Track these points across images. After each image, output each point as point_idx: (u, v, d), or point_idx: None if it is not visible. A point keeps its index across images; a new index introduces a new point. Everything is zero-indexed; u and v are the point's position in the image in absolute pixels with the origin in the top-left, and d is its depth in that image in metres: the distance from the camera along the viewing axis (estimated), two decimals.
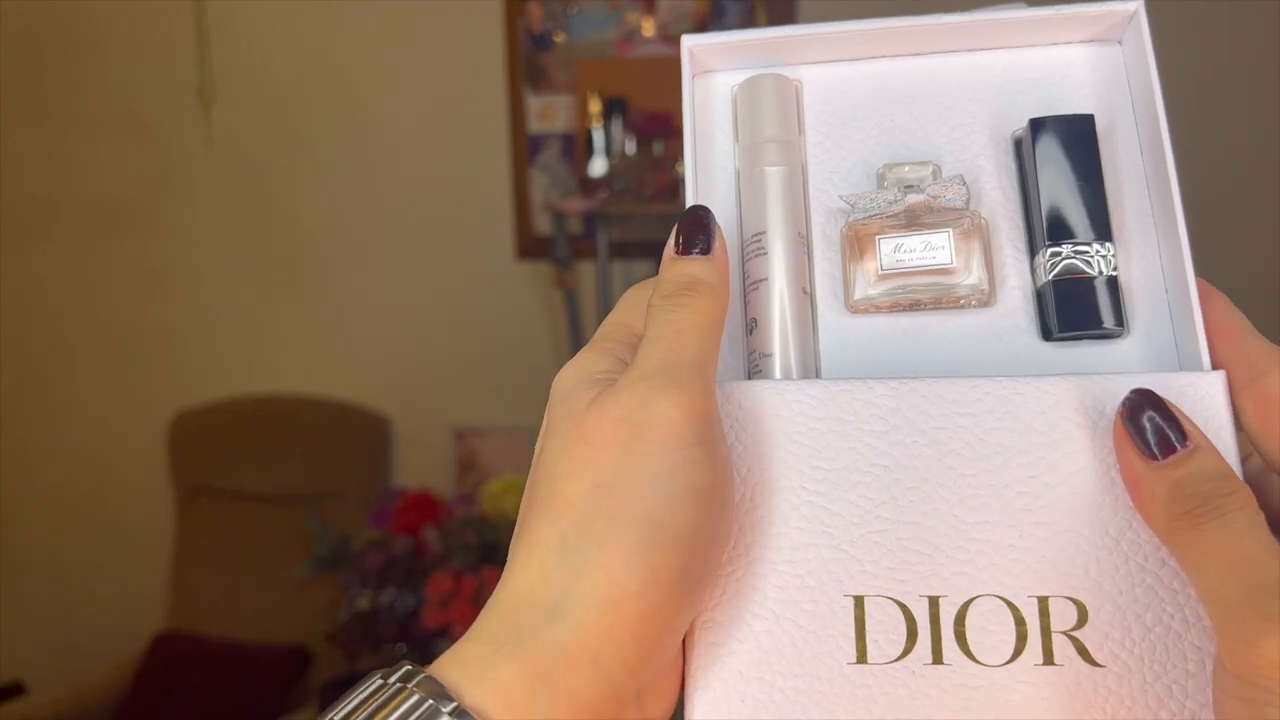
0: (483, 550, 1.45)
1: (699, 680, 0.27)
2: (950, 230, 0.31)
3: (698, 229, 0.29)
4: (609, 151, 1.61)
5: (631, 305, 0.30)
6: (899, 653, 0.27)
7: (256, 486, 1.75)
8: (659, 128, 1.60)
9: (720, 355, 0.28)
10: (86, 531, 1.93)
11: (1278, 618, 0.21)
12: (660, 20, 1.61)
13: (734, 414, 0.29)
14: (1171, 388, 0.27)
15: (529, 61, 1.67)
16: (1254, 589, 0.22)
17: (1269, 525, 0.24)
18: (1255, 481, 0.27)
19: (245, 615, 1.68)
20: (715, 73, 0.35)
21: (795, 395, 0.29)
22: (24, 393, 1.93)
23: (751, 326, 0.32)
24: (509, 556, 0.26)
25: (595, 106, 1.62)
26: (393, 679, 0.23)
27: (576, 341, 1.59)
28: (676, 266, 0.28)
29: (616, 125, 1.61)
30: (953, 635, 0.27)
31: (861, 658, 0.27)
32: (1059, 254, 0.30)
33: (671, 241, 0.29)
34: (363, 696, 0.23)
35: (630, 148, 1.61)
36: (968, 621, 0.27)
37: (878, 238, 0.31)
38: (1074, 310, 0.30)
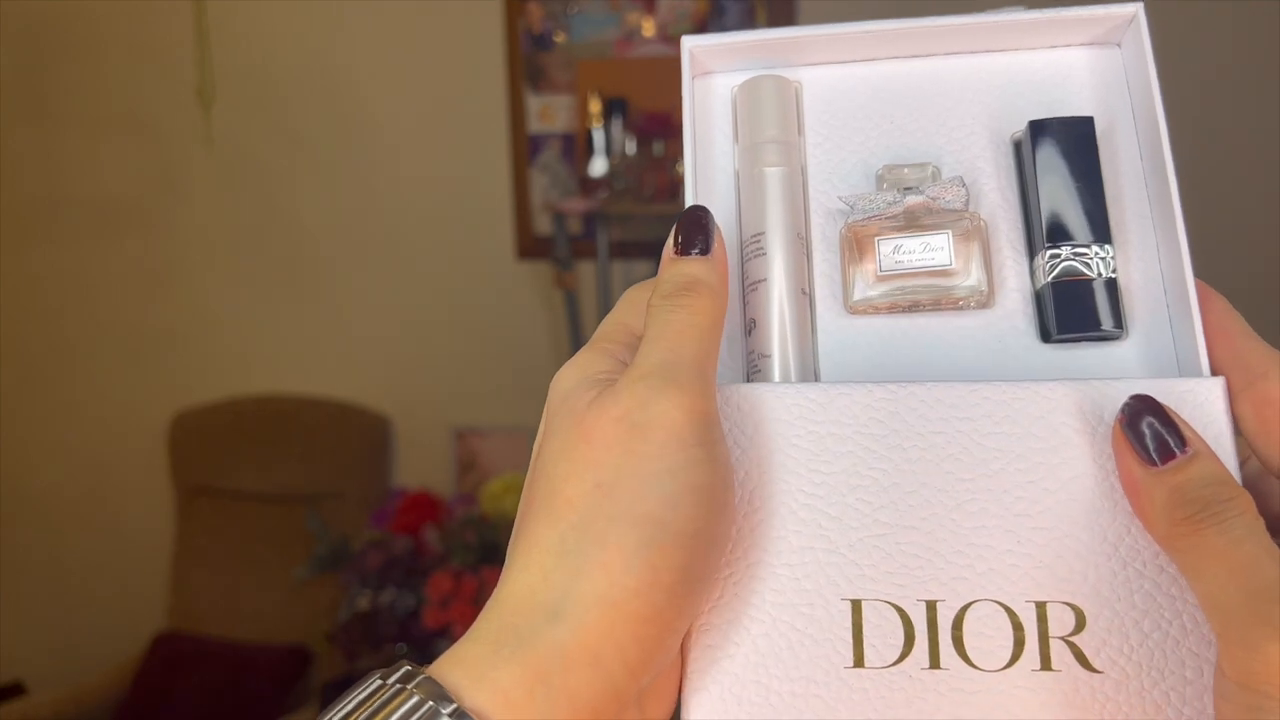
0: (483, 550, 1.45)
1: (695, 683, 0.27)
2: (949, 232, 0.31)
3: (697, 229, 0.29)
4: (609, 151, 1.61)
5: (631, 305, 0.30)
6: (896, 657, 0.27)
7: (256, 486, 1.75)
8: (659, 128, 1.60)
9: (719, 356, 0.28)
10: (86, 531, 1.93)
11: (1278, 623, 0.21)
12: (660, 20, 1.61)
13: (732, 417, 0.29)
14: (1171, 393, 0.27)
15: (529, 61, 1.67)
16: (1254, 594, 0.22)
17: (1268, 529, 0.24)
18: (1253, 485, 0.27)
19: (245, 615, 1.68)
20: (715, 74, 0.35)
21: (794, 399, 0.29)
22: (24, 393, 1.93)
23: (750, 327, 0.32)
24: (508, 557, 0.26)
25: (595, 106, 1.62)
26: (392, 680, 0.23)
27: (576, 341, 1.59)
28: (676, 267, 0.28)
29: (616, 125, 1.61)
30: (950, 640, 0.27)
31: (859, 662, 0.27)
32: (1058, 256, 0.30)
33: (670, 242, 0.29)
34: (362, 697, 0.23)
35: (630, 148, 1.61)
36: (965, 626, 0.27)
37: (877, 239, 0.31)
38: (1073, 312, 0.30)
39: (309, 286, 1.82)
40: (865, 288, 0.31)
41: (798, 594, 0.27)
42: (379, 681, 0.24)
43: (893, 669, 0.27)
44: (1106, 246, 0.30)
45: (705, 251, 0.28)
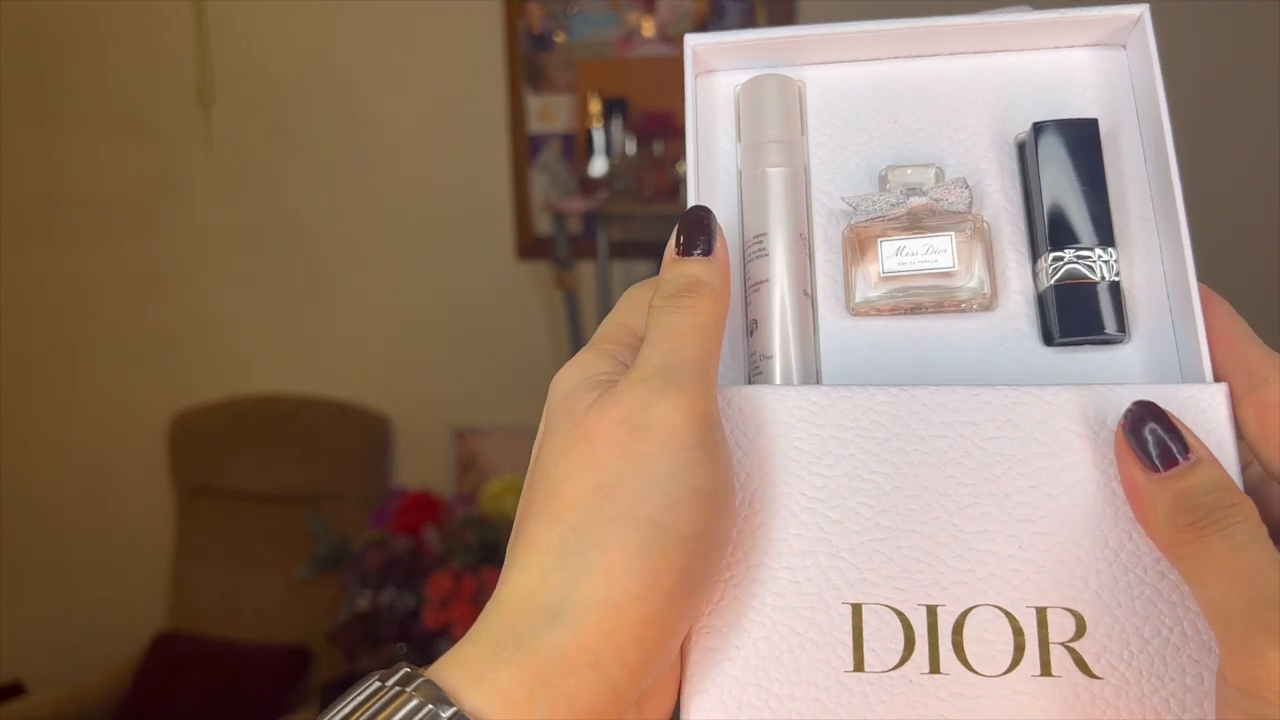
0: (483, 550, 1.45)
1: (695, 686, 0.27)
2: (952, 233, 0.31)
3: (698, 230, 0.29)
4: (609, 151, 1.61)
5: (632, 305, 0.30)
6: (896, 661, 0.27)
7: (256, 486, 1.75)
8: (659, 128, 1.60)
9: (721, 357, 0.28)
10: (86, 531, 1.93)
11: None
12: (660, 20, 1.61)
13: (734, 419, 0.29)
14: (1174, 400, 0.27)
15: (529, 61, 1.66)
16: (1257, 601, 0.22)
17: (1270, 534, 0.23)
18: (1255, 490, 0.27)
19: (245, 615, 1.68)
20: (718, 72, 0.35)
21: (796, 401, 0.28)
22: (24, 393, 1.93)
23: (752, 328, 0.32)
24: (507, 557, 0.26)
25: (595, 106, 1.62)
26: (391, 682, 0.23)
27: (576, 341, 1.59)
28: (677, 268, 0.28)
29: (616, 125, 1.61)
30: (950, 645, 0.26)
31: (859, 666, 0.27)
32: (1061, 259, 0.30)
33: (672, 242, 0.29)
34: (360, 699, 0.23)
35: (630, 148, 1.61)
36: (966, 631, 0.26)
37: (879, 240, 0.31)
38: (1076, 315, 0.30)
39: (309, 286, 1.82)
40: (867, 289, 0.31)
41: (798, 597, 0.27)
42: (378, 683, 0.23)
43: (893, 673, 0.26)
44: (1110, 250, 0.30)
45: (707, 252, 0.28)
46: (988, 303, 0.31)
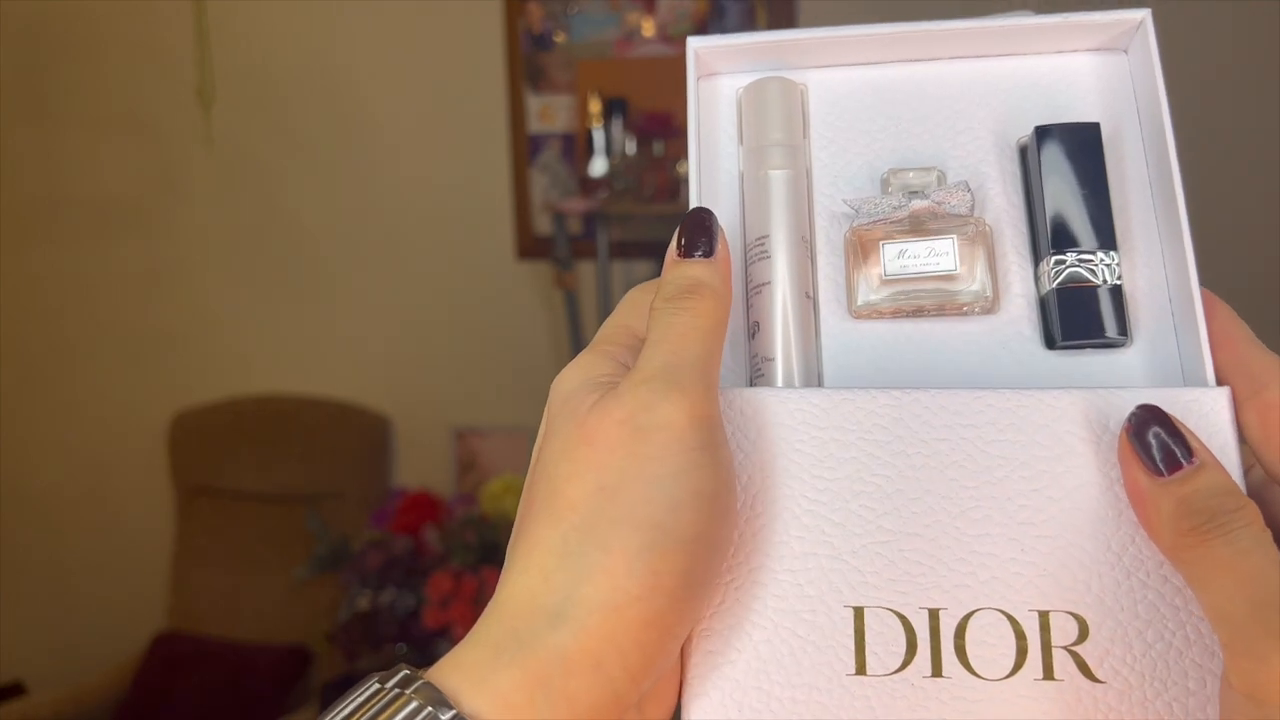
0: (483, 550, 1.45)
1: (696, 689, 0.27)
2: (954, 237, 0.31)
3: (700, 231, 0.29)
4: (609, 151, 1.61)
5: (633, 307, 0.30)
6: (898, 665, 0.26)
7: (256, 486, 1.75)
8: (659, 128, 1.60)
9: (722, 359, 0.28)
10: (86, 531, 1.93)
11: None
12: (660, 20, 1.61)
13: (735, 421, 0.28)
14: (1176, 403, 0.27)
15: (529, 61, 1.66)
16: (1261, 606, 0.22)
17: (1274, 538, 0.23)
18: (1258, 493, 0.27)
19: (245, 615, 1.68)
20: (720, 75, 0.35)
21: (798, 404, 0.28)
22: (24, 393, 1.93)
23: (754, 330, 0.32)
24: (507, 558, 0.26)
25: (595, 106, 1.62)
26: (390, 684, 0.23)
27: (576, 341, 1.59)
28: (678, 269, 0.28)
29: (616, 125, 1.61)
30: (952, 648, 0.26)
31: (860, 669, 0.27)
32: (1063, 262, 0.30)
33: (673, 244, 0.29)
34: (359, 701, 0.23)
35: (630, 148, 1.61)
36: (968, 635, 0.26)
37: (881, 243, 0.31)
38: (1077, 319, 0.30)
39: (309, 286, 1.82)
40: (869, 292, 0.31)
41: (800, 600, 0.27)
42: (377, 685, 0.23)
43: (895, 677, 0.26)
44: (1112, 253, 0.30)
45: (708, 254, 0.28)
46: (989, 306, 0.31)
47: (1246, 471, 0.27)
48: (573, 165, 1.67)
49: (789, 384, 0.30)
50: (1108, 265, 0.30)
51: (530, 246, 1.72)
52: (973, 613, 0.27)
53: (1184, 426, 0.26)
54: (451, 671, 0.23)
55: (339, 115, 1.76)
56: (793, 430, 0.28)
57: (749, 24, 1.57)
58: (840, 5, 1.52)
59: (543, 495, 0.25)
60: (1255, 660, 0.22)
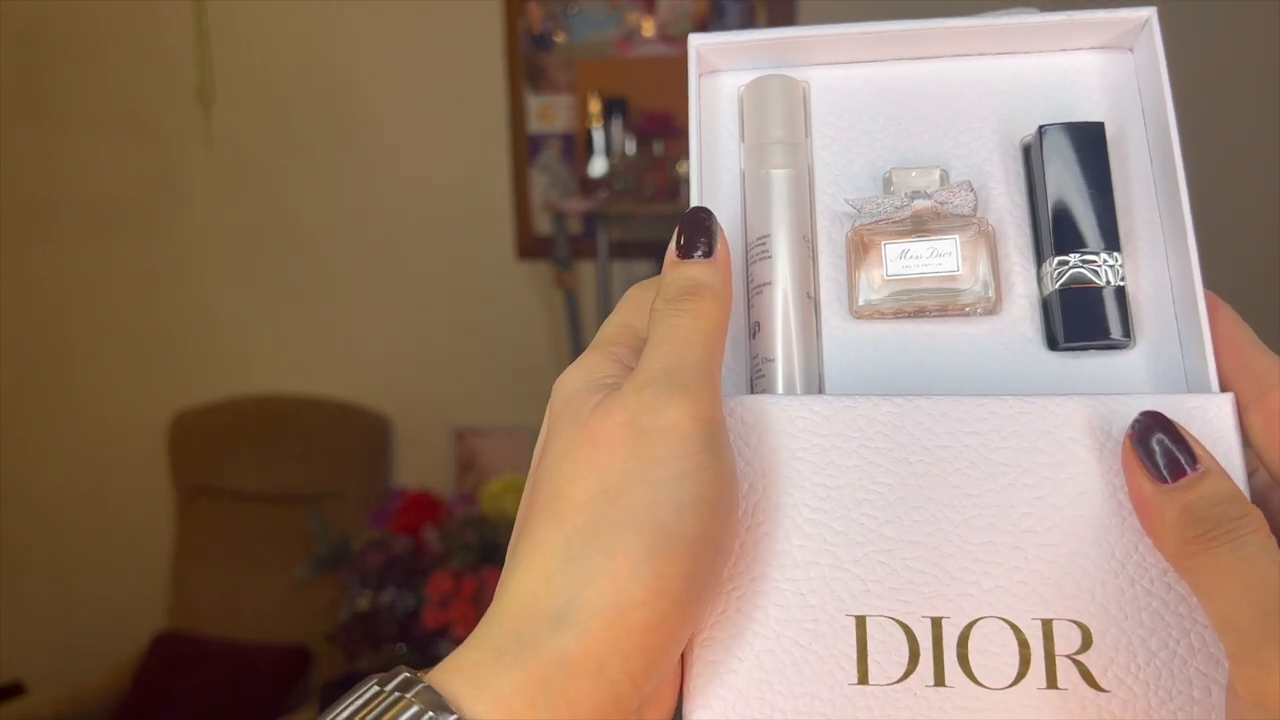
0: (483, 550, 1.45)
1: (697, 699, 0.27)
2: (957, 237, 0.30)
3: (699, 231, 0.28)
4: (609, 151, 1.61)
5: (634, 305, 0.30)
6: (901, 674, 0.26)
7: (256, 486, 1.75)
8: (659, 128, 1.60)
9: (724, 360, 0.28)
10: (86, 531, 1.93)
11: None
12: (660, 20, 1.61)
13: (737, 428, 0.28)
14: (1180, 410, 0.26)
15: (529, 61, 1.66)
16: (1267, 613, 0.22)
17: (1279, 543, 0.23)
18: (1261, 496, 0.26)
19: (245, 615, 1.68)
20: (721, 73, 0.34)
21: (799, 410, 0.28)
22: (24, 393, 1.93)
23: (754, 331, 0.31)
24: (508, 559, 0.26)
25: (595, 106, 1.62)
26: (390, 687, 0.23)
27: (576, 341, 1.59)
28: (678, 270, 0.28)
29: (616, 125, 1.61)
30: (955, 657, 0.26)
31: (863, 679, 0.26)
32: (1066, 263, 0.30)
33: (673, 244, 0.29)
34: (358, 704, 0.23)
35: (630, 148, 1.61)
36: (971, 643, 0.26)
37: (883, 243, 0.31)
38: (1080, 320, 0.29)
39: (309, 286, 1.82)
40: (871, 292, 0.31)
41: (802, 609, 0.27)
42: (376, 688, 0.23)
43: (897, 686, 0.26)
44: (1115, 254, 0.30)
45: (708, 254, 0.28)
46: (992, 306, 0.30)
47: (1251, 475, 0.26)
48: (573, 165, 1.67)
49: (789, 385, 0.30)
50: (1111, 266, 0.30)
51: (530, 246, 1.72)
52: (976, 621, 0.26)
53: (1188, 433, 0.25)
54: (452, 674, 0.23)
55: (339, 115, 1.75)
56: (794, 438, 0.28)
57: (749, 24, 1.57)
58: (840, 4, 1.52)
59: (545, 497, 0.25)
60: (1261, 668, 0.22)
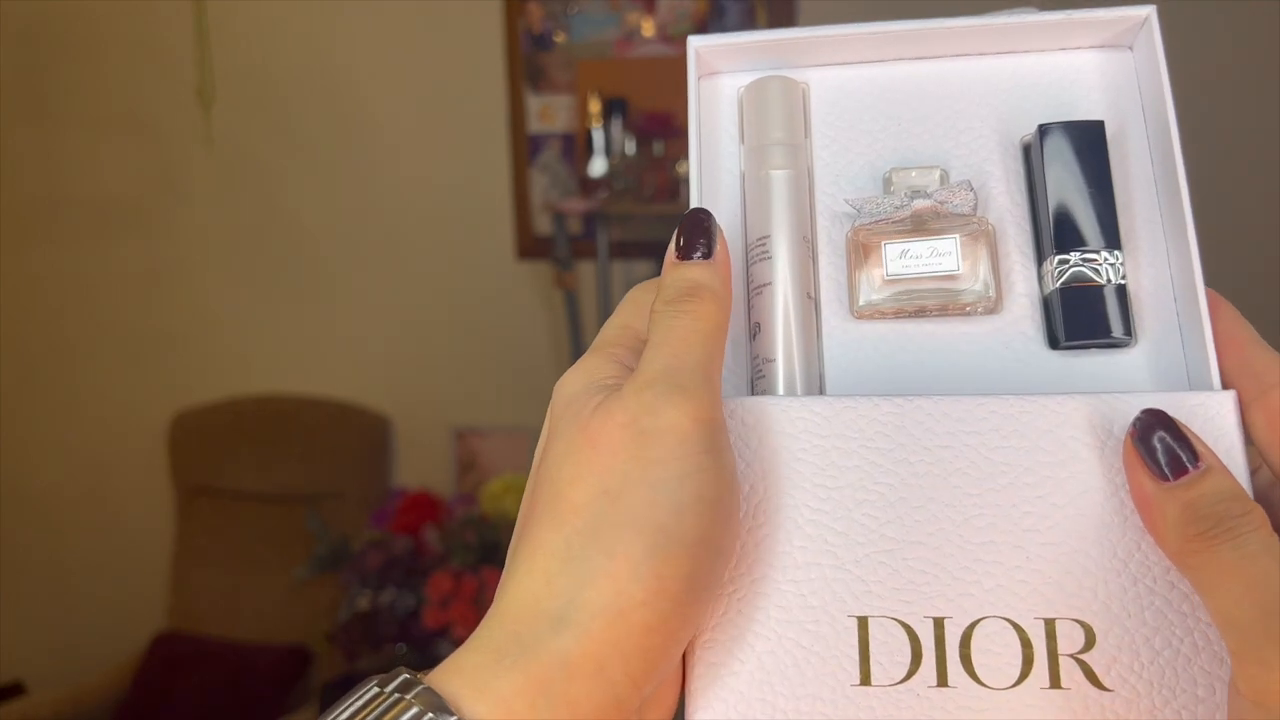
0: (483, 550, 1.45)
1: (699, 701, 0.27)
2: (957, 236, 0.30)
3: (698, 232, 0.28)
4: (609, 151, 1.61)
5: (635, 307, 0.30)
6: (903, 675, 0.26)
7: (256, 486, 1.75)
8: (659, 128, 1.60)
9: (724, 361, 0.28)
10: (86, 531, 1.93)
11: None
12: (660, 20, 1.61)
13: (737, 430, 0.28)
14: (1182, 407, 0.26)
15: (529, 61, 1.66)
16: (1270, 611, 0.22)
17: None
18: (1264, 494, 0.26)
19: (245, 615, 1.68)
20: (721, 74, 0.34)
21: (799, 412, 0.28)
22: (24, 393, 1.93)
23: (755, 331, 0.31)
24: (509, 560, 0.26)
25: (595, 106, 1.62)
26: (390, 688, 0.23)
27: (576, 341, 1.59)
28: (677, 272, 0.28)
29: (616, 125, 1.61)
30: (958, 657, 0.26)
31: (865, 680, 0.26)
32: (1067, 261, 0.30)
33: (672, 245, 0.29)
34: (358, 705, 0.23)
35: (630, 148, 1.61)
36: (973, 643, 0.26)
37: (884, 243, 0.31)
38: (1081, 319, 0.29)
39: (309, 286, 1.82)
40: (871, 292, 0.31)
41: (803, 610, 0.27)
42: (376, 689, 0.23)
43: (900, 687, 0.26)
44: (1116, 252, 0.30)
45: (707, 255, 0.28)
46: (992, 306, 0.30)
47: (1253, 473, 0.26)
48: (573, 165, 1.67)
49: (790, 385, 0.30)
50: (1112, 265, 0.30)
51: (530, 246, 1.72)
52: (978, 621, 0.26)
53: (1189, 431, 0.25)
54: (452, 676, 0.23)
55: (339, 115, 1.75)
56: (795, 439, 0.28)
57: (749, 24, 1.57)
58: (840, 4, 1.51)
59: (545, 498, 0.25)
60: (1262, 666, 0.21)
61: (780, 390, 0.30)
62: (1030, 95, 0.32)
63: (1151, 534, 0.26)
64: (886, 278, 0.31)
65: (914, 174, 0.32)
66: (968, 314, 0.31)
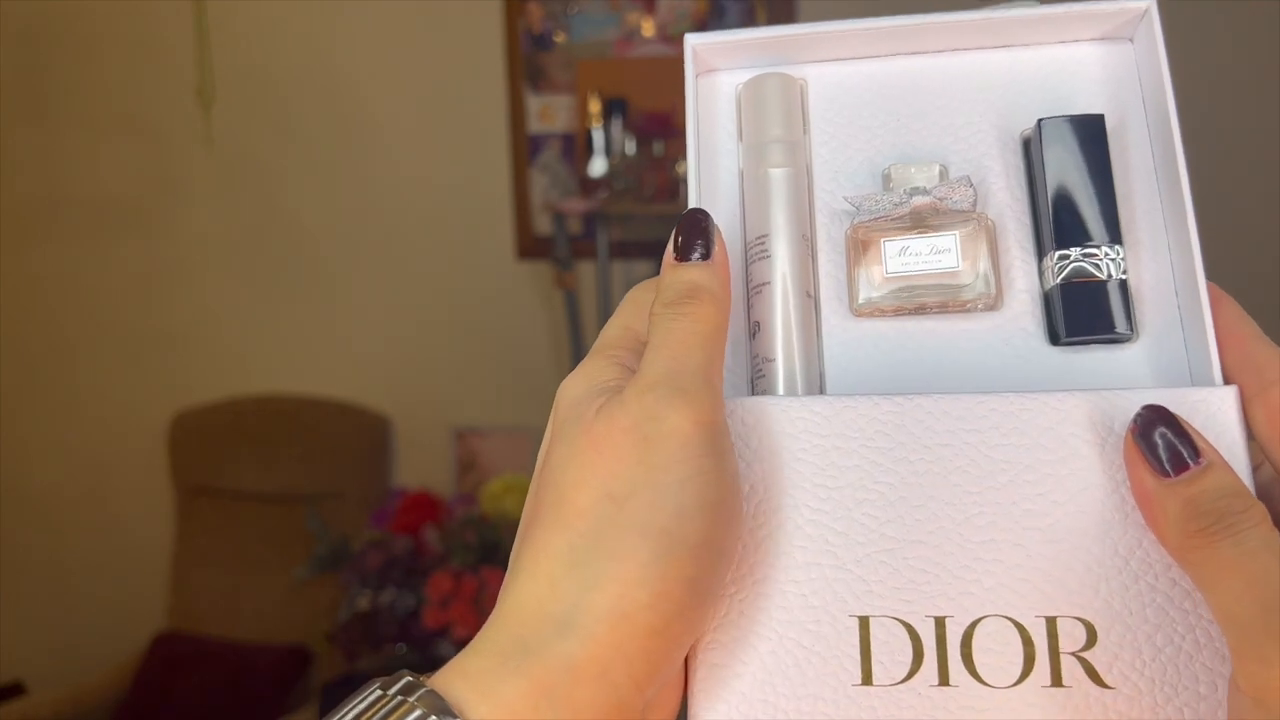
0: (483, 550, 1.45)
1: (702, 702, 0.27)
2: (957, 233, 0.30)
3: (696, 233, 0.28)
4: (609, 151, 1.61)
5: (635, 308, 0.29)
6: (905, 674, 0.26)
7: (256, 486, 1.75)
8: (659, 128, 1.60)
9: (724, 362, 0.28)
10: (86, 531, 1.93)
11: None
12: (660, 20, 1.61)
13: (737, 430, 0.28)
14: (1183, 403, 0.26)
15: (529, 61, 1.66)
16: (1270, 608, 0.21)
17: None
18: (1266, 490, 0.26)
19: (245, 615, 1.68)
20: (719, 72, 0.34)
21: (799, 412, 0.28)
22: (24, 393, 1.93)
23: (755, 330, 0.31)
24: (512, 563, 0.25)
25: (595, 106, 1.62)
26: (393, 691, 0.23)
27: (576, 341, 1.59)
28: (676, 273, 0.28)
29: (616, 125, 1.61)
30: (959, 656, 0.26)
31: (867, 679, 0.26)
32: (1067, 257, 0.30)
33: (670, 246, 0.28)
34: (360, 708, 0.23)
35: (630, 148, 1.60)
36: (974, 642, 0.26)
37: (883, 240, 0.30)
38: (1082, 314, 0.29)
39: (309, 286, 1.82)
40: (871, 290, 0.31)
41: (804, 611, 0.27)
42: (379, 692, 0.23)
43: (901, 686, 0.26)
44: (1117, 247, 0.29)
45: (705, 256, 0.28)
46: (993, 302, 0.30)
47: (1255, 469, 0.26)
48: (573, 165, 1.66)
49: (790, 384, 0.30)
50: (1113, 260, 0.29)
51: (530, 246, 1.72)
52: (979, 620, 0.26)
53: (1190, 426, 0.25)
54: (456, 679, 0.23)
55: (339, 115, 1.75)
56: (794, 439, 0.28)
57: (749, 23, 1.57)
58: (840, 3, 1.51)
59: (549, 502, 0.25)
60: (1263, 663, 0.21)
61: (780, 389, 0.30)
62: (1029, 89, 0.32)
63: (1152, 530, 0.26)
64: (886, 275, 0.30)
65: (913, 170, 0.32)
66: (968, 311, 0.31)
